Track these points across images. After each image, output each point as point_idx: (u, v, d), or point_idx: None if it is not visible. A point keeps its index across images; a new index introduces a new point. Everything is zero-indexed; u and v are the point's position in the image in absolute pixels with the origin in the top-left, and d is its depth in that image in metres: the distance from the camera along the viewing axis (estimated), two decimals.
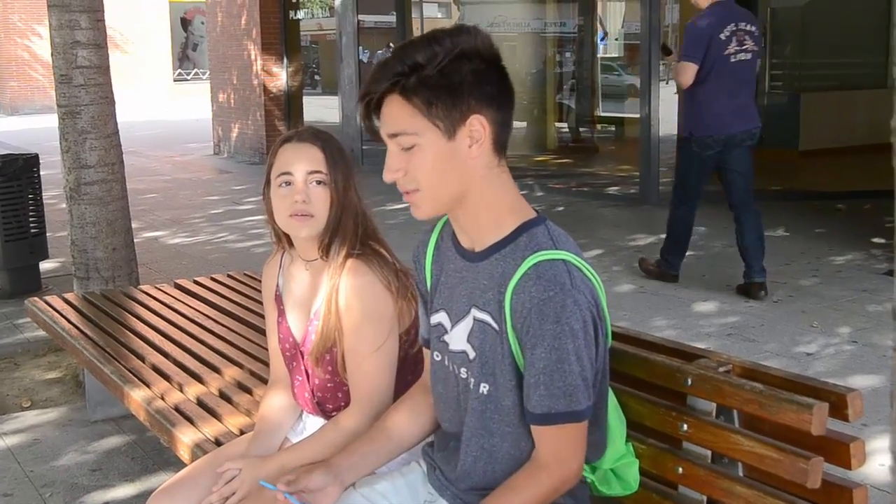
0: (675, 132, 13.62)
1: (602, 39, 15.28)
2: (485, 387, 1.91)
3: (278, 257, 2.56)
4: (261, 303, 2.70)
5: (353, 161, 2.44)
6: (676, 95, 6.21)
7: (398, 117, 1.82)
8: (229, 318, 4.09)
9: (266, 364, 3.23)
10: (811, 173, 11.76)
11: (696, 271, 6.87)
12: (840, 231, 7.98)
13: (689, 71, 6.09)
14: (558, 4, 15.44)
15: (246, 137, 14.93)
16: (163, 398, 3.21)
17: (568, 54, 15.03)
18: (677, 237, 6.65)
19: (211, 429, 2.91)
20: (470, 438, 1.96)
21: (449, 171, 1.83)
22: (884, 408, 3.63)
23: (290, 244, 2.46)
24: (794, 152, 12.42)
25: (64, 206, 5.49)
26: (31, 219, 6.77)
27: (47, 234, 6.97)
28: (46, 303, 4.47)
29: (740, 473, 1.95)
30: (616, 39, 16.77)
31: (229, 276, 4.81)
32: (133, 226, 5.73)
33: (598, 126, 15.48)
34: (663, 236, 7.97)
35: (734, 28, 6.12)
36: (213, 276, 4.86)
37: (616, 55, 16.58)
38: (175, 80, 29.68)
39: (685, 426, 2.00)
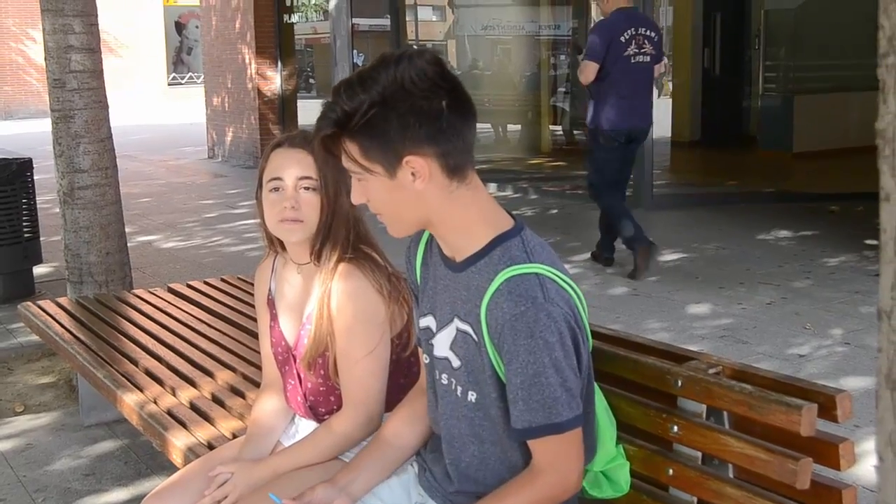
0: (669, 135, 13.73)
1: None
2: (472, 395, 1.91)
3: (270, 261, 2.56)
4: (254, 307, 2.70)
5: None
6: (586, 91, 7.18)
7: (346, 156, 1.83)
8: (222, 322, 4.09)
9: (259, 368, 3.23)
10: (805, 175, 11.79)
11: (689, 273, 6.88)
12: (833, 233, 8.00)
13: (590, 69, 6.69)
14: (552, 7, 15.45)
15: (240, 141, 14.93)
16: (156, 402, 3.21)
17: (562, 57, 15.04)
18: (610, 226, 7.14)
19: (204, 432, 2.91)
20: (462, 443, 1.96)
21: (402, 202, 1.84)
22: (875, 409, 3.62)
23: (283, 248, 2.47)
24: (787, 154, 12.45)
25: (58, 210, 5.49)
26: (24, 223, 6.76)
27: (41, 239, 6.96)
28: (40, 307, 4.47)
29: (730, 475, 1.95)
30: None
31: (223, 280, 4.82)
32: (127, 230, 5.73)
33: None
34: (657, 239, 8.00)
35: (634, 32, 6.74)
36: (206, 280, 4.86)
37: None
38: (169, 84, 29.66)
39: (675, 428, 2.00)
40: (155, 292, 4.69)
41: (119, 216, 5.50)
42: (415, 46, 14.21)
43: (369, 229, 2.41)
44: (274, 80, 14.44)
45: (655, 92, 8.08)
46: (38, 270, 7.14)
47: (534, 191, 10.97)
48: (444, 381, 1.97)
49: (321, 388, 2.41)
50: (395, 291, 2.32)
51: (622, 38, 6.71)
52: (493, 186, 10.73)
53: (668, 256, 7.44)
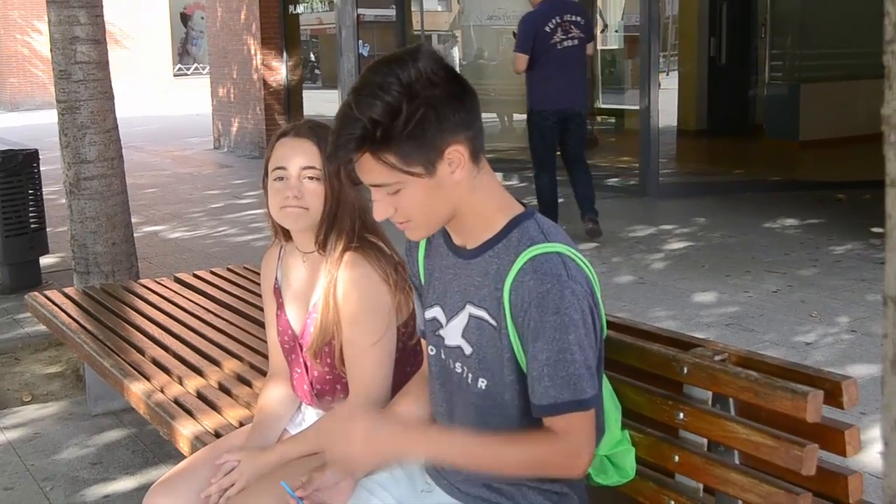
0: (675, 124, 13.71)
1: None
2: (483, 382, 1.91)
3: (276, 250, 2.57)
4: (260, 296, 2.70)
5: None
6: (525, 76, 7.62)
7: (375, 173, 1.79)
8: (229, 312, 4.10)
9: (265, 356, 3.24)
10: (811, 163, 11.76)
11: (696, 262, 6.88)
12: (839, 221, 7.98)
13: (521, 61, 7.36)
14: None
15: (246, 132, 14.93)
16: (162, 391, 3.22)
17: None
18: (545, 204, 7.64)
19: (210, 421, 2.92)
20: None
21: (439, 201, 1.84)
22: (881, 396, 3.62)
23: (288, 237, 2.47)
24: (794, 142, 12.41)
25: (64, 201, 5.50)
26: (31, 214, 6.79)
27: (47, 230, 6.99)
28: (47, 297, 4.48)
29: (736, 461, 1.95)
30: (616, 31, 16.75)
31: (229, 269, 4.82)
32: (133, 220, 5.74)
33: (598, 118, 15.47)
34: (664, 227, 8.01)
35: (559, 20, 7.33)
36: (212, 269, 4.86)
37: (616, 47, 16.55)
38: (175, 75, 29.66)
39: (681, 415, 2.00)
40: (161, 282, 4.70)
41: (125, 206, 5.51)
42: (422, 36, 14.20)
43: (370, 216, 2.40)
44: (279, 71, 14.43)
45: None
46: (45, 261, 7.16)
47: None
48: (458, 370, 1.96)
49: (328, 377, 2.41)
50: (402, 280, 2.32)
51: (547, 28, 7.31)
52: (499, 176, 10.71)
53: (675, 245, 7.44)
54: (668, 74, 12.57)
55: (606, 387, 2.04)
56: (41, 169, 6.92)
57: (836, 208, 8.62)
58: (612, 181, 10.89)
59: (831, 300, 5.80)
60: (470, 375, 1.93)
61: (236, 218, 9.50)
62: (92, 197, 5.32)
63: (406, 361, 2.38)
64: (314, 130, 2.34)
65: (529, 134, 7.68)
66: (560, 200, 7.88)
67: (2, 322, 6.06)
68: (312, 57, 16.84)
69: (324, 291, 2.34)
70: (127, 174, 5.60)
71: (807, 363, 4.26)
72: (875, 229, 7.37)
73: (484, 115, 1.92)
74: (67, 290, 4.67)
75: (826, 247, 7.16)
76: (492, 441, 1.86)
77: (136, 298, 4.43)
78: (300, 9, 15.05)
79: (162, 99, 27.31)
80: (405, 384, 2.30)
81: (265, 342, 2.71)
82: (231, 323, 3.93)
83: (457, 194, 1.85)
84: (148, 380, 3.33)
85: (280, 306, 2.50)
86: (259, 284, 2.77)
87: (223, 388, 3.21)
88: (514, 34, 8.44)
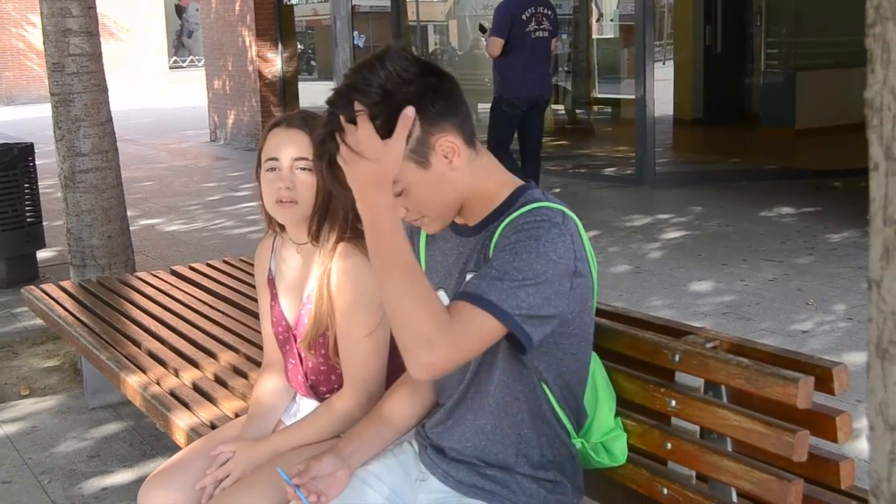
0: (671, 113, 13.70)
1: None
2: None
3: (270, 241, 2.57)
4: (255, 288, 2.71)
5: None
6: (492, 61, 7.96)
7: None
8: (224, 304, 4.10)
9: (261, 348, 3.24)
10: (807, 151, 11.77)
11: (692, 251, 6.88)
12: (836, 209, 7.99)
13: (496, 45, 7.63)
14: None
15: (242, 124, 14.92)
16: (158, 383, 3.22)
17: (564, 36, 15.00)
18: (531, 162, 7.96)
19: (207, 413, 2.92)
20: (472, 400, 1.97)
21: (444, 191, 1.86)
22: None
23: (282, 228, 2.47)
24: (790, 130, 12.41)
25: (59, 194, 5.50)
26: (27, 208, 6.78)
27: (44, 223, 6.98)
28: (43, 291, 4.48)
29: (729, 448, 1.96)
30: (611, 20, 16.74)
31: (225, 261, 4.82)
32: (130, 213, 5.75)
33: (594, 107, 15.47)
34: (660, 216, 8.03)
35: (534, 10, 7.67)
36: (208, 262, 4.87)
37: (612, 36, 16.54)
38: (170, 68, 29.60)
39: (673, 402, 2.01)
40: (157, 275, 4.70)
41: (120, 199, 5.51)
42: (417, 27, 14.18)
43: None
44: (275, 63, 14.42)
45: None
46: (42, 255, 7.16)
47: None
48: None
49: (322, 367, 2.42)
50: None
51: (523, 16, 7.64)
52: None
53: (672, 234, 7.45)
54: (663, 63, 12.57)
55: (602, 375, 2.06)
56: (37, 162, 6.91)
57: (833, 196, 8.63)
58: (609, 171, 10.91)
59: (828, 288, 5.80)
60: None
61: (232, 210, 9.50)
62: (87, 190, 5.32)
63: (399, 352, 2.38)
64: (306, 121, 2.34)
65: (493, 120, 7.90)
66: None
67: None
68: (307, 48, 16.83)
69: (317, 282, 2.34)
70: (123, 167, 5.60)
71: (803, 351, 4.27)
72: (869, 218, 7.37)
73: (480, 105, 1.94)
74: (64, 283, 4.67)
75: (822, 235, 7.17)
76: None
77: (133, 291, 4.43)
78: (294, 0, 15.03)
79: (157, 91, 27.26)
80: (399, 374, 2.30)
81: (261, 334, 2.72)
82: (227, 315, 3.93)
83: (460, 182, 1.87)
84: (144, 372, 3.34)
85: (274, 297, 2.51)
86: (254, 276, 2.77)
87: (219, 380, 3.22)
88: (482, 27, 8.67)
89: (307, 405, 2.50)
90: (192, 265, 4.80)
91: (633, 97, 10.04)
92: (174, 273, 4.70)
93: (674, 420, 2.03)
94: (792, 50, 13.75)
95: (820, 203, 8.30)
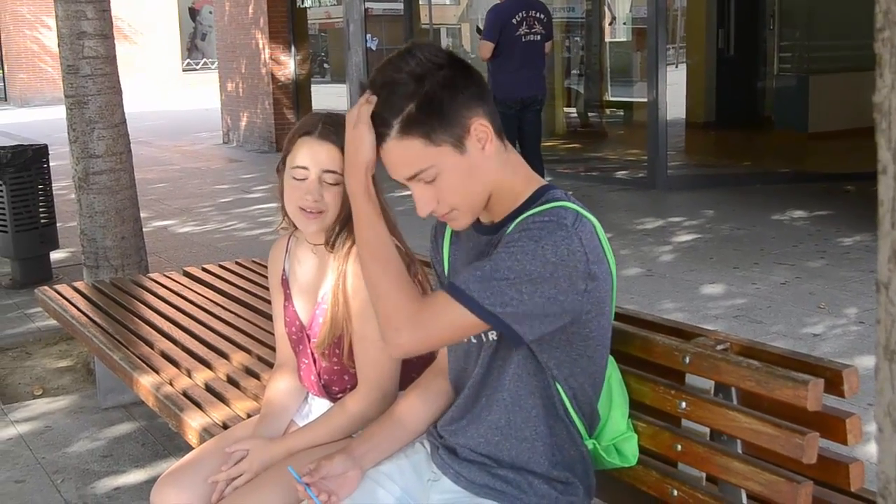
0: (684, 116, 13.68)
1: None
2: (493, 333, 1.93)
3: (284, 241, 2.58)
4: (268, 289, 2.72)
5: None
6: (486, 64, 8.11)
7: (407, 161, 1.84)
8: (237, 305, 4.12)
9: (273, 349, 3.26)
10: (820, 155, 11.74)
11: (704, 254, 6.88)
12: (848, 213, 7.97)
13: (486, 48, 7.87)
14: None
15: (255, 126, 14.96)
16: (171, 384, 3.24)
17: (576, 39, 15.00)
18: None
19: (219, 413, 2.94)
20: (491, 398, 1.98)
21: (475, 180, 1.88)
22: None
23: (296, 227, 2.47)
24: (802, 134, 12.39)
25: (73, 196, 5.53)
26: (41, 209, 6.82)
27: (57, 224, 7.02)
28: (57, 291, 4.51)
29: (738, 450, 1.97)
30: (624, 24, 16.74)
31: (237, 263, 4.84)
32: (143, 215, 5.77)
33: (607, 110, 15.46)
34: (672, 219, 8.03)
35: (524, 14, 7.85)
36: (221, 263, 4.89)
37: (624, 39, 16.54)
38: (184, 70, 29.71)
39: (684, 404, 2.02)
40: (170, 276, 4.72)
41: (134, 201, 5.54)
42: (430, 30, 14.19)
43: (395, 217, 2.40)
44: (288, 65, 14.45)
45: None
46: (55, 256, 7.20)
47: (549, 173, 10.95)
48: (474, 340, 1.98)
49: (335, 368, 2.42)
50: (412, 273, 2.32)
51: (514, 20, 7.82)
52: None
53: (683, 237, 7.44)
54: (676, 66, 12.55)
55: (617, 378, 2.06)
56: (51, 164, 6.95)
57: (845, 200, 8.61)
58: (621, 174, 10.90)
59: (840, 291, 5.80)
60: (483, 335, 1.95)
61: (245, 212, 9.53)
62: (101, 191, 5.35)
63: None
64: (338, 132, 2.29)
65: None
66: None
67: (13, 317, 6.09)
68: (320, 51, 16.86)
69: (333, 286, 2.34)
70: (136, 169, 5.63)
71: (815, 354, 4.27)
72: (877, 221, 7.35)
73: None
74: (77, 284, 4.70)
75: (834, 238, 7.16)
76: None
77: (146, 292, 4.46)
78: (308, 3, 15.07)
79: (170, 94, 27.36)
80: (411, 373, 2.32)
81: (273, 335, 2.73)
82: (239, 316, 3.95)
83: (491, 172, 1.89)
84: (157, 373, 3.35)
85: (287, 297, 2.51)
86: (266, 278, 2.78)
87: (231, 381, 3.23)
88: (478, 29, 8.72)
89: (319, 405, 2.51)
90: (205, 266, 4.82)
91: (645, 100, 10.03)
92: (187, 274, 4.72)
93: (684, 422, 2.04)
94: (805, 53, 13.73)
95: (832, 207, 8.29)
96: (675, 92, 10.03)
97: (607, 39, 15.30)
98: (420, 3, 14.00)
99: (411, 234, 2.31)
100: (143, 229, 5.74)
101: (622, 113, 15.42)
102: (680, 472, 2.05)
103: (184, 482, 2.37)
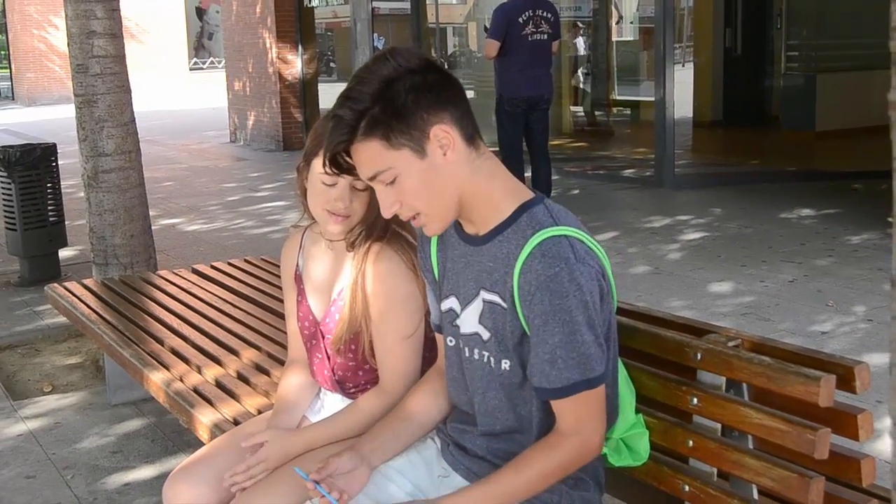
0: (691, 115, 13.68)
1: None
2: (506, 363, 1.94)
3: (297, 237, 2.57)
4: (278, 286, 2.72)
5: None
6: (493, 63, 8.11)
7: (368, 160, 1.87)
8: (246, 302, 4.13)
9: (283, 346, 3.27)
10: (827, 154, 11.72)
11: (712, 252, 6.88)
12: (856, 211, 7.97)
13: (492, 47, 7.81)
14: None
15: (262, 125, 14.98)
16: (182, 380, 3.25)
17: (583, 38, 14.99)
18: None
19: (229, 409, 2.95)
20: (500, 413, 1.99)
21: (438, 185, 1.89)
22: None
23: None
24: (810, 133, 12.37)
25: (82, 194, 5.54)
26: (49, 207, 6.84)
27: (66, 223, 7.04)
28: (66, 289, 4.52)
29: (750, 446, 1.97)
30: (631, 23, 16.73)
31: (246, 260, 4.85)
32: (151, 213, 5.78)
33: (614, 109, 15.46)
34: (679, 218, 8.03)
35: (531, 14, 7.81)
36: (229, 261, 4.90)
37: (632, 38, 16.53)
38: (191, 69, 29.72)
39: (695, 400, 2.02)
40: (179, 273, 4.73)
41: (143, 199, 5.55)
42: (436, 29, 14.19)
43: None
44: (295, 64, 14.47)
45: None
46: (64, 254, 7.22)
47: (556, 171, 10.94)
48: (476, 357, 1.99)
49: (350, 364, 2.41)
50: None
51: (520, 19, 7.77)
52: None
53: (691, 235, 7.44)
54: (683, 65, 12.51)
55: (621, 371, 2.07)
56: (59, 163, 6.97)
57: (853, 198, 8.60)
58: (628, 172, 10.89)
59: (847, 289, 5.79)
60: (492, 360, 1.96)
61: (252, 210, 9.54)
62: (110, 190, 5.36)
63: (426, 347, 2.38)
64: None
65: (498, 121, 8.03)
66: (555, 192, 8.11)
67: (22, 314, 6.11)
68: (327, 50, 16.88)
69: (351, 284, 2.34)
70: (144, 167, 5.64)
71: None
72: (892, 219, 7.34)
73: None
74: (87, 281, 4.71)
75: (842, 236, 7.15)
76: (507, 478, 1.89)
77: (155, 289, 4.47)
78: (315, 2, 15.08)
79: (178, 93, 27.38)
80: (424, 367, 2.32)
81: (283, 332, 2.73)
82: (248, 313, 3.96)
83: (456, 178, 1.89)
84: (167, 369, 3.37)
85: (301, 293, 2.51)
86: (276, 275, 2.79)
87: (241, 377, 3.24)
88: (486, 28, 8.73)
89: (332, 401, 2.51)
90: (214, 264, 4.83)
91: (652, 99, 10.02)
92: (196, 272, 4.73)
93: (696, 418, 2.04)
94: (812, 52, 13.71)
95: (840, 205, 8.28)
96: (682, 91, 10.00)
97: (614, 38, 15.29)
98: (427, 2, 14.00)
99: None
100: (152, 227, 5.75)
101: (629, 112, 15.41)
102: (691, 467, 2.06)
103: (196, 477, 2.38)
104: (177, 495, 2.38)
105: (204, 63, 30.02)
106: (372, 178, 1.89)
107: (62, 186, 7.05)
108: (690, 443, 2.03)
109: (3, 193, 6.77)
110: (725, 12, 14.18)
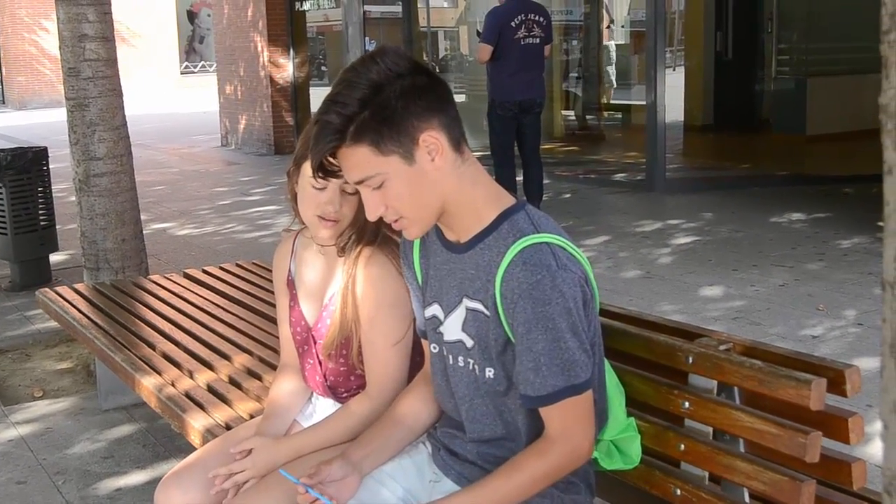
0: (682, 119, 13.71)
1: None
2: (490, 371, 1.94)
3: (289, 243, 2.57)
4: (269, 291, 2.72)
5: None
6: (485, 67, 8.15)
7: (356, 165, 1.86)
8: (238, 307, 4.13)
9: (275, 351, 3.26)
10: (818, 158, 11.75)
11: (703, 256, 6.89)
12: (846, 215, 7.99)
13: (485, 51, 7.83)
14: None
15: (253, 129, 14.97)
16: (173, 385, 3.24)
17: (574, 42, 15.02)
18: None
19: (221, 414, 2.94)
20: (487, 420, 1.99)
21: (424, 191, 1.88)
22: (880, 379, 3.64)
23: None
24: (801, 137, 12.40)
25: (73, 198, 5.54)
26: (40, 211, 6.83)
27: (57, 227, 7.02)
28: (57, 293, 4.51)
29: (741, 449, 1.98)
30: (622, 27, 16.77)
31: (238, 265, 4.85)
32: (142, 217, 5.78)
33: (605, 113, 15.48)
34: (671, 222, 8.04)
35: (524, 18, 7.83)
36: (221, 265, 4.89)
37: (623, 42, 16.56)
38: (182, 73, 29.73)
39: (687, 404, 2.02)
40: (171, 277, 4.72)
41: (134, 203, 5.54)
42: (428, 33, 14.20)
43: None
44: (286, 68, 14.46)
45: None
46: (55, 258, 7.20)
47: (547, 175, 10.96)
48: (461, 364, 2.00)
49: (342, 369, 2.41)
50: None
51: (513, 24, 7.79)
52: None
53: (682, 239, 7.46)
54: (674, 69, 12.53)
55: (610, 373, 2.07)
56: (50, 167, 6.95)
57: (843, 202, 8.63)
58: (619, 176, 10.91)
59: (838, 294, 5.81)
60: (477, 367, 1.96)
61: (244, 215, 9.53)
62: (101, 194, 5.36)
63: (416, 351, 2.39)
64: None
65: (490, 125, 8.04)
66: (546, 196, 8.22)
67: (13, 319, 6.10)
68: (318, 54, 16.88)
69: (342, 289, 2.34)
70: (135, 171, 5.63)
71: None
72: (882, 223, 7.36)
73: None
74: (78, 286, 4.70)
75: (833, 241, 7.17)
76: (498, 483, 1.89)
77: (146, 294, 4.46)
78: (307, 6, 15.07)
79: (169, 97, 27.36)
80: (414, 372, 2.32)
81: (275, 336, 2.73)
82: (240, 318, 3.95)
83: (442, 184, 1.89)
84: (159, 374, 3.36)
85: (293, 298, 2.51)
86: (268, 280, 2.78)
87: (233, 382, 3.24)
88: (478, 32, 8.78)
89: (323, 406, 2.51)
90: (206, 268, 4.82)
91: (643, 103, 10.04)
92: (187, 276, 4.72)
93: (687, 421, 2.05)
94: (803, 56, 13.74)
95: (830, 209, 8.30)
96: (673, 95, 10.02)
97: (605, 42, 15.32)
98: (418, 5, 14.01)
99: None
100: (143, 231, 5.74)
101: (620, 115, 15.44)
102: (683, 471, 2.06)
103: (188, 482, 2.37)
104: (168, 500, 2.37)
105: (195, 67, 30.01)
106: (359, 183, 1.89)
107: (53, 190, 7.03)
108: (682, 446, 2.03)
109: None
110: (716, 16, 14.22)
